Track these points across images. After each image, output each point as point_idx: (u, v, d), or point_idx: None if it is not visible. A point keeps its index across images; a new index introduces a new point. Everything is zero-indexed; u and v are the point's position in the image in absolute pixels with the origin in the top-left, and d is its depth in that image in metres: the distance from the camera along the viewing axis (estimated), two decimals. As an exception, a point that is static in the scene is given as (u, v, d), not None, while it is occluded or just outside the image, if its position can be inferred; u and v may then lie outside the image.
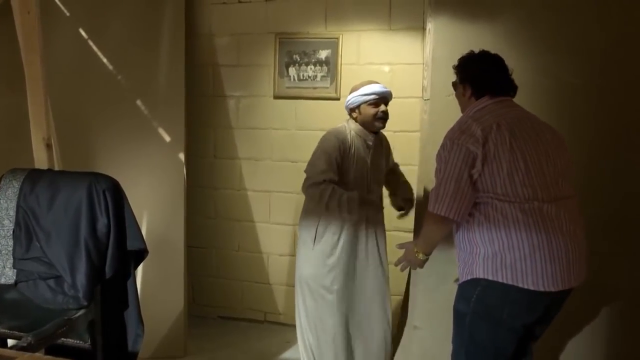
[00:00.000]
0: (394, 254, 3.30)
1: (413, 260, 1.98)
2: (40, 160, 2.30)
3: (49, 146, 2.30)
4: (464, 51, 1.96)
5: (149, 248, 2.18)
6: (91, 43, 3.01)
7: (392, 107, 2.66)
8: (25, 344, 1.74)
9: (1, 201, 2.13)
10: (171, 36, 3.08)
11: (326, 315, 2.58)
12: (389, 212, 2.86)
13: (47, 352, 1.96)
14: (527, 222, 1.69)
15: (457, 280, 1.91)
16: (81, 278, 1.99)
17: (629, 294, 2.24)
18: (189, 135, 3.28)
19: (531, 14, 2.24)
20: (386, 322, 2.64)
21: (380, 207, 2.71)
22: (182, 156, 3.08)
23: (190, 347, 3.19)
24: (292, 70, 3.40)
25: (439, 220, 1.79)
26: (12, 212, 2.11)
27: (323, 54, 3.33)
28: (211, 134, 3.62)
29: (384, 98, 2.57)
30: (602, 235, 2.16)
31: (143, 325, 2.16)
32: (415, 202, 2.71)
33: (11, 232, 2.11)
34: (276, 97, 3.45)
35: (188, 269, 3.24)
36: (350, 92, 2.61)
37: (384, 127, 2.62)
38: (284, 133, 3.47)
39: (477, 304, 1.78)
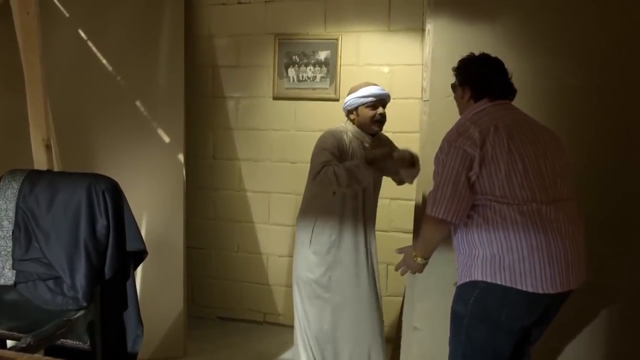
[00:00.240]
0: (392, 256, 3.32)
1: (412, 264, 1.97)
2: (40, 161, 2.30)
3: (48, 147, 2.30)
4: (464, 52, 1.96)
5: (148, 249, 2.18)
6: (90, 44, 3.01)
7: (391, 108, 2.66)
8: (24, 345, 1.74)
9: (0, 202, 2.13)
10: (170, 37, 3.08)
11: (323, 315, 2.58)
12: (389, 212, 2.87)
13: (46, 353, 1.96)
14: (526, 223, 1.69)
15: (456, 283, 1.91)
16: (80, 279, 1.99)
17: (629, 295, 2.24)
18: (189, 136, 3.28)
19: (531, 15, 2.24)
20: (376, 319, 2.64)
21: (374, 210, 2.70)
22: (181, 157, 3.08)
23: (190, 348, 3.18)
24: (291, 71, 3.40)
25: (436, 223, 1.79)
26: (12, 213, 2.11)
27: (322, 55, 3.33)
28: (210, 134, 3.62)
29: (381, 100, 2.56)
30: (602, 236, 2.16)
31: (142, 326, 2.16)
32: (415, 203, 2.71)
33: (10, 233, 2.10)
34: (275, 98, 3.45)
35: (187, 270, 3.24)
36: (348, 94, 2.61)
37: (381, 129, 2.62)
38: (284, 134, 3.47)
39: (475, 306, 1.77)
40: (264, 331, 3.56)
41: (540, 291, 1.68)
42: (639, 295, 2.23)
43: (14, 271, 2.08)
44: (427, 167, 2.31)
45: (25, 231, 2.08)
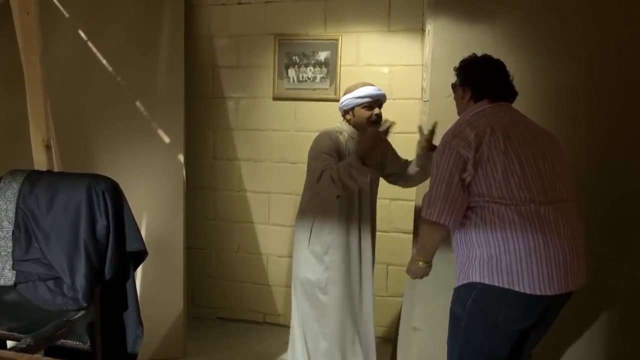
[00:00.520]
0: (393, 256, 3.32)
1: (415, 269, 1.97)
2: (40, 162, 2.30)
3: (48, 147, 2.30)
4: (464, 52, 1.96)
5: (148, 249, 2.18)
6: (90, 44, 3.01)
7: (391, 109, 2.66)
8: (24, 346, 1.74)
9: (0, 202, 2.13)
10: (170, 37, 3.08)
11: (320, 316, 2.58)
12: (389, 212, 2.87)
13: (46, 354, 1.96)
14: (524, 224, 1.68)
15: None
16: (80, 279, 1.99)
17: (629, 295, 2.24)
18: (189, 136, 3.28)
19: (530, 16, 2.24)
20: (370, 321, 2.64)
21: (374, 208, 2.69)
22: (181, 157, 3.08)
23: (190, 348, 3.18)
24: (291, 72, 3.40)
25: (432, 225, 1.79)
26: (12, 214, 2.11)
27: (322, 56, 3.33)
28: (210, 135, 3.62)
29: (377, 101, 2.55)
30: (601, 236, 2.16)
31: (142, 327, 2.16)
32: (415, 203, 2.71)
33: (10, 234, 2.10)
34: (275, 99, 3.45)
35: (187, 270, 3.24)
36: (344, 94, 2.59)
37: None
38: (283, 134, 3.47)
39: (473, 307, 1.77)
40: (264, 331, 3.56)
41: (538, 292, 1.67)
42: (639, 296, 2.23)
43: (14, 272, 2.08)
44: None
45: (25, 232, 2.08)
